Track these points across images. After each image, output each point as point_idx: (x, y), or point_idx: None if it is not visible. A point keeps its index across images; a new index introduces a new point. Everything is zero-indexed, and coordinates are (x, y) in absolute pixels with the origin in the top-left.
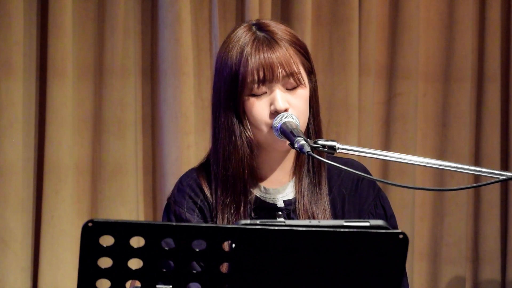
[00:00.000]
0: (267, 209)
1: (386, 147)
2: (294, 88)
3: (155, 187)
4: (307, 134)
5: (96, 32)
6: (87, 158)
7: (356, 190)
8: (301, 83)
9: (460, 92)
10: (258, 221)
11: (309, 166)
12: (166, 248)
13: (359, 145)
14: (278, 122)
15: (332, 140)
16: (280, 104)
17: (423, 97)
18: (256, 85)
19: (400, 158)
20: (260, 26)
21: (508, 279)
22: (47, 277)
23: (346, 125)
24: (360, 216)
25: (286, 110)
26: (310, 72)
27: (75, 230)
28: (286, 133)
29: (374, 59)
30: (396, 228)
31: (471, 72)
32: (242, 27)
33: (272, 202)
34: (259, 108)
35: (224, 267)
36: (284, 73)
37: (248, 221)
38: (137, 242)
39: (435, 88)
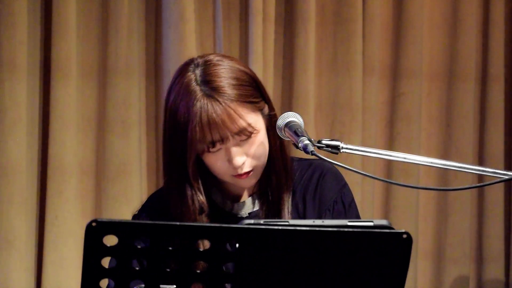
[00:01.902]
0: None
1: (390, 147)
2: (247, 138)
3: (159, 187)
4: (269, 163)
5: (100, 32)
6: (91, 158)
7: (316, 190)
8: (252, 133)
9: (464, 92)
10: (262, 221)
11: (272, 182)
12: (170, 248)
13: (363, 145)
14: (282, 121)
15: (336, 140)
16: (237, 163)
17: (427, 96)
18: (207, 146)
19: (404, 158)
20: (204, 79)
21: None
22: (51, 277)
23: (350, 125)
24: (319, 214)
25: (243, 163)
26: (263, 107)
27: (79, 230)
28: (290, 132)
29: (378, 59)
30: (358, 217)
31: (475, 72)
32: (188, 72)
33: (239, 216)
34: (217, 164)
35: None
36: (232, 132)
37: (252, 221)
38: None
39: (439, 87)
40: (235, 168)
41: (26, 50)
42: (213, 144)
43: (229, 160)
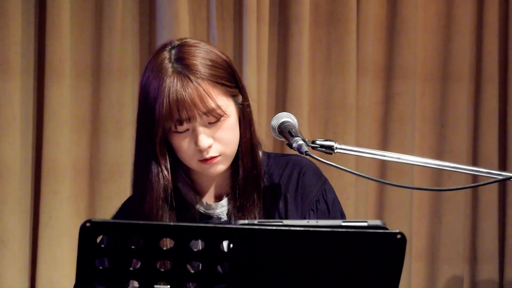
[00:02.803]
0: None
1: (384, 147)
2: (216, 121)
3: None
4: (238, 155)
5: (94, 32)
6: (84, 158)
7: (297, 189)
8: (221, 116)
9: (458, 92)
10: (256, 221)
11: (238, 175)
12: (164, 248)
13: (357, 145)
14: (276, 122)
15: (330, 140)
16: (203, 144)
17: (421, 97)
18: (174, 125)
19: (398, 158)
20: (178, 56)
21: (506, 279)
22: (45, 277)
23: (344, 125)
24: (302, 214)
25: (210, 147)
26: (236, 94)
27: (73, 230)
28: (284, 133)
29: (372, 59)
30: (343, 217)
31: (469, 72)
32: (164, 52)
33: (216, 216)
34: (183, 145)
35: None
36: (200, 112)
37: (246, 221)
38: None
39: (433, 88)
40: (201, 150)
41: (20, 50)
42: (180, 122)
43: (195, 141)
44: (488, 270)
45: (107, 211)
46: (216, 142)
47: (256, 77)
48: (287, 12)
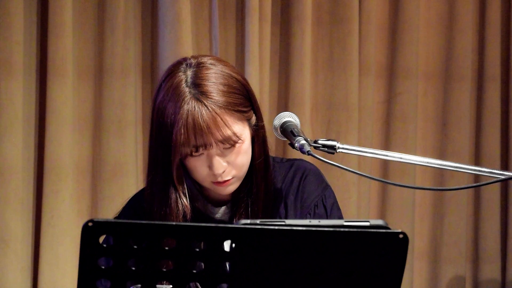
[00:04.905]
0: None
1: (386, 147)
2: (231, 146)
3: None
4: (251, 173)
5: (96, 32)
6: (87, 158)
7: (298, 193)
8: (236, 142)
9: (460, 92)
10: (258, 221)
11: (251, 192)
12: (166, 248)
13: (359, 144)
14: (278, 121)
15: (332, 140)
16: (218, 170)
17: (423, 96)
18: (190, 151)
19: (400, 158)
20: (194, 81)
21: (508, 279)
22: (47, 277)
23: (346, 125)
24: (301, 217)
25: (224, 171)
26: (250, 117)
27: (75, 229)
28: (286, 133)
29: (374, 58)
30: (341, 218)
31: (471, 72)
32: (179, 72)
33: (219, 218)
34: (197, 168)
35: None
36: (216, 140)
37: (248, 221)
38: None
39: (435, 87)
40: (215, 175)
41: (22, 50)
42: (196, 148)
43: (210, 166)
44: (490, 270)
45: (109, 211)
46: (229, 166)
47: (258, 76)
48: (289, 11)
